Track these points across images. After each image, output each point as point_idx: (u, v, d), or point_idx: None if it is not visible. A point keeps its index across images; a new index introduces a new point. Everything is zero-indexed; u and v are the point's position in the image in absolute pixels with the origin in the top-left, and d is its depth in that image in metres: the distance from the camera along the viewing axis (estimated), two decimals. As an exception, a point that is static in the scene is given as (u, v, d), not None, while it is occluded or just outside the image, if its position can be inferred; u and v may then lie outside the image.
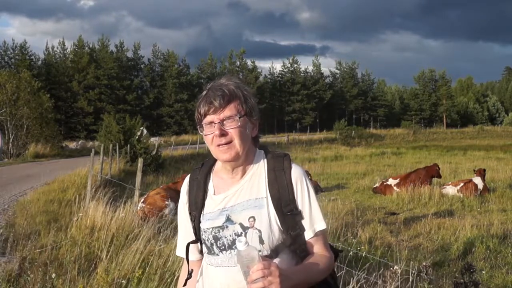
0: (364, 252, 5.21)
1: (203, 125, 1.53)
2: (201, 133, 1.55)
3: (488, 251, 6.22)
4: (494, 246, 6.41)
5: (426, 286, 3.79)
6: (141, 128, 20.70)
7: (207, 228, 1.55)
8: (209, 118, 1.51)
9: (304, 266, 1.49)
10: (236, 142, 1.50)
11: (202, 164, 1.68)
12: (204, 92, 1.56)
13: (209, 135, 1.52)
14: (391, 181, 12.19)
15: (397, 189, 11.70)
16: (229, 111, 1.51)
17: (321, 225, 1.56)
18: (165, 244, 4.90)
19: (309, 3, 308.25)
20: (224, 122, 1.50)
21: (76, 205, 6.91)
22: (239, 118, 1.51)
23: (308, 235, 1.54)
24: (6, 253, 5.49)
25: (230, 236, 1.51)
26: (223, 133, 1.50)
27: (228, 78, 1.59)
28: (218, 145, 1.51)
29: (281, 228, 1.51)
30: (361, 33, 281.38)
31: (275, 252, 1.50)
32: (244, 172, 1.59)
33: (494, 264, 5.74)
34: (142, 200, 8.00)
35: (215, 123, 1.50)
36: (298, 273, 1.45)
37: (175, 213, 8.16)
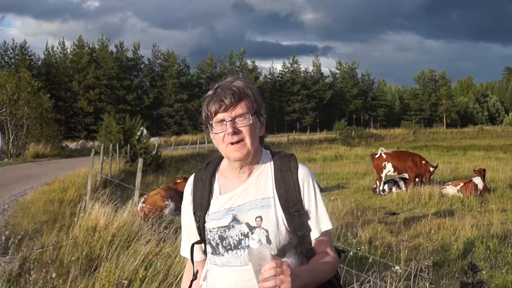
0: (365, 252, 5.21)
1: (213, 124, 1.51)
2: (211, 132, 1.53)
3: (488, 251, 6.22)
4: (494, 246, 6.41)
5: (428, 286, 3.78)
6: (141, 128, 20.70)
7: (212, 228, 1.54)
8: (220, 116, 1.50)
9: (312, 266, 1.49)
10: (248, 140, 1.50)
11: (207, 164, 1.67)
12: (213, 91, 1.55)
13: (220, 133, 1.51)
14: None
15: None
16: (240, 109, 1.50)
17: (327, 225, 1.56)
18: (166, 245, 4.90)
19: (312, 4, 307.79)
20: (236, 120, 1.49)
21: (79, 205, 6.91)
22: (251, 116, 1.51)
23: (314, 235, 1.54)
24: (6, 253, 5.49)
25: (236, 236, 1.51)
26: (235, 131, 1.49)
27: (236, 77, 1.58)
28: (230, 143, 1.49)
29: (288, 228, 1.51)
30: (363, 33, 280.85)
31: (281, 252, 1.50)
32: (250, 172, 1.58)
33: (494, 264, 5.75)
34: (142, 200, 8.00)
35: (226, 121, 1.49)
36: (307, 272, 1.45)
37: (175, 213, 8.18)
